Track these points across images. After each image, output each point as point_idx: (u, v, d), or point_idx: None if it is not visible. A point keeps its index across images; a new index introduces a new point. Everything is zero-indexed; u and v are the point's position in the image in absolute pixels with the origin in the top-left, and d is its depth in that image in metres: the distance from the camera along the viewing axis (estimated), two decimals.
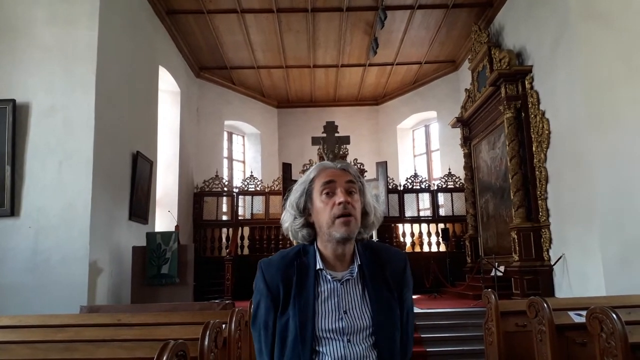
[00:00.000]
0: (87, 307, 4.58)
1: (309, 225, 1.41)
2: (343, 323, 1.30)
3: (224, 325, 2.65)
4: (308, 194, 1.40)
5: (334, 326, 1.30)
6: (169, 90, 9.65)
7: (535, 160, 7.18)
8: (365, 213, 1.41)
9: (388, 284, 1.37)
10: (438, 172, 12.19)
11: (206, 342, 2.19)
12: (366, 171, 10.45)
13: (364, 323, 1.31)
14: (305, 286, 1.33)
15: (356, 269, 1.37)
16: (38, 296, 5.26)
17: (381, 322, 1.32)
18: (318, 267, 1.36)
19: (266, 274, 1.37)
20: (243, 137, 13.24)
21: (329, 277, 1.35)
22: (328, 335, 1.29)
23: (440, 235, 10.21)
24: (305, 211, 1.40)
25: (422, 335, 5.65)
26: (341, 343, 1.29)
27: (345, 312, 1.31)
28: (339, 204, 1.32)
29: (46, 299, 5.21)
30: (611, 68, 5.90)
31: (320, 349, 1.29)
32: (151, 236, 6.65)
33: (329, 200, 1.35)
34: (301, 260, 1.38)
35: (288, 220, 1.43)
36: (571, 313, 2.93)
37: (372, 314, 1.32)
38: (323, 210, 1.35)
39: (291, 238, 1.46)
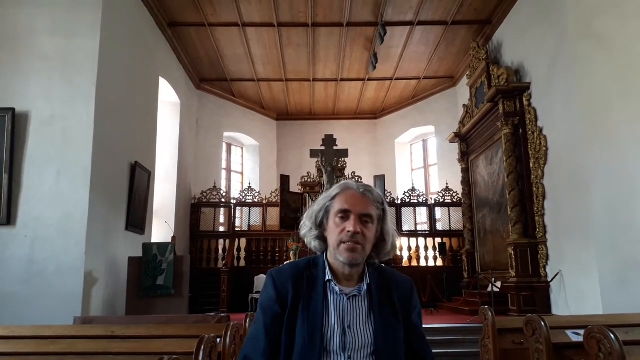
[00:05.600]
0: (81, 318, 4.52)
1: (323, 238, 1.44)
2: (345, 338, 1.31)
3: (218, 340, 2.63)
4: (327, 210, 1.42)
5: (336, 340, 1.31)
6: (169, 101, 9.68)
7: (532, 176, 7.20)
8: (382, 240, 1.42)
9: (394, 308, 1.38)
10: (435, 187, 12.22)
11: (200, 357, 2.17)
12: None
13: (366, 341, 1.32)
14: (314, 297, 1.35)
15: (364, 287, 1.39)
16: (32, 306, 5.21)
17: (382, 342, 1.32)
18: (327, 278, 1.38)
19: (277, 280, 1.39)
20: (242, 148, 13.26)
21: (337, 289, 1.37)
22: (330, 348, 1.30)
23: (437, 249, 10.19)
24: (321, 225, 1.43)
25: None
26: (341, 359, 1.29)
27: (348, 327, 1.32)
28: (348, 231, 1.34)
29: (40, 309, 5.16)
30: (607, 87, 5.96)
31: None
32: (147, 247, 6.61)
33: (341, 224, 1.37)
34: (311, 272, 1.40)
35: (305, 228, 1.47)
36: (569, 332, 2.91)
37: (375, 332, 1.32)
38: (333, 231, 1.38)
39: (306, 243, 1.51)
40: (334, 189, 1.44)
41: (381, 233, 1.41)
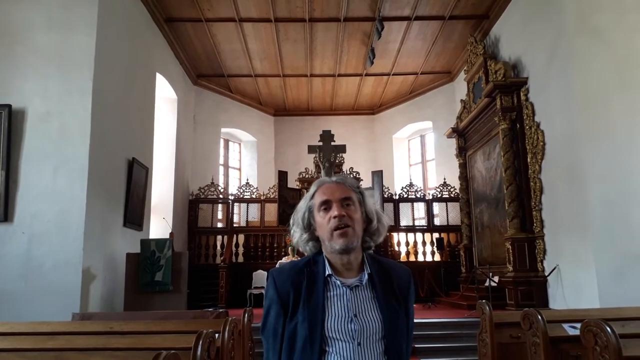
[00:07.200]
0: (80, 315, 4.54)
1: (315, 238, 1.49)
2: (353, 325, 1.33)
3: (217, 335, 2.64)
4: (310, 210, 1.48)
5: (344, 328, 1.33)
6: (166, 97, 9.65)
7: (530, 171, 7.22)
8: (368, 221, 1.47)
9: (396, 295, 1.42)
10: (433, 182, 12.22)
11: (199, 352, 2.18)
12: (362, 180, 10.46)
13: (375, 327, 1.35)
14: (315, 291, 1.37)
15: (366, 277, 1.42)
16: (30, 303, 5.21)
17: (390, 327, 1.36)
18: (327, 273, 1.41)
19: (277, 281, 1.43)
20: (239, 144, 13.24)
21: (338, 282, 1.40)
22: (337, 337, 1.32)
23: (435, 244, 10.21)
24: (310, 227, 1.48)
25: (416, 346, 5.62)
26: (351, 346, 1.31)
27: (355, 315, 1.35)
28: (334, 217, 1.39)
29: (38, 306, 5.16)
30: (605, 81, 5.97)
31: (329, 349, 1.32)
32: (145, 243, 6.61)
33: (326, 215, 1.42)
34: (311, 268, 1.44)
35: (296, 235, 1.52)
36: (565, 325, 2.93)
37: (383, 318, 1.36)
38: (322, 225, 1.43)
39: (302, 250, 1.54)
40: (311, 189, 1.52)
41: (366, 215, 1.47)
